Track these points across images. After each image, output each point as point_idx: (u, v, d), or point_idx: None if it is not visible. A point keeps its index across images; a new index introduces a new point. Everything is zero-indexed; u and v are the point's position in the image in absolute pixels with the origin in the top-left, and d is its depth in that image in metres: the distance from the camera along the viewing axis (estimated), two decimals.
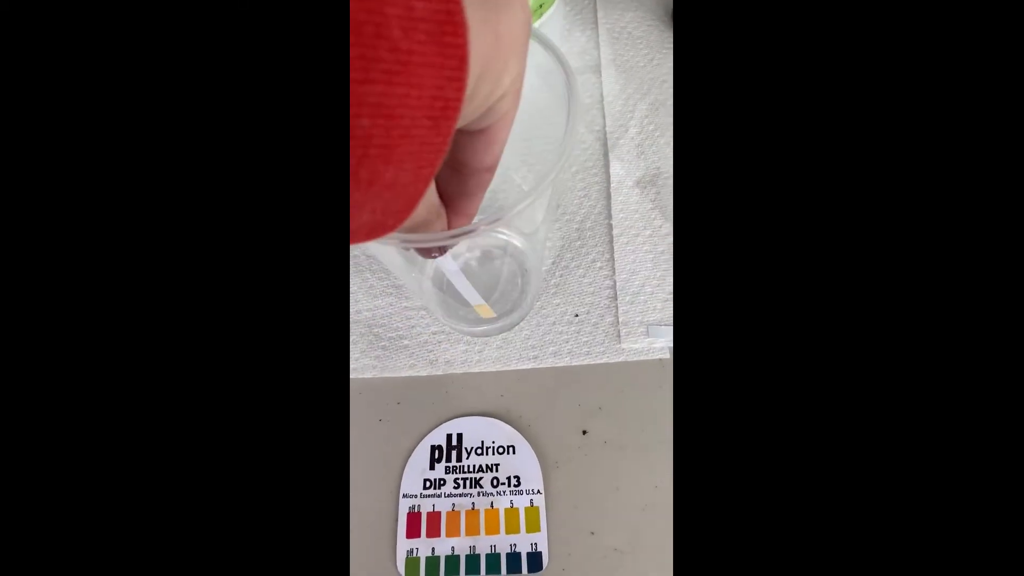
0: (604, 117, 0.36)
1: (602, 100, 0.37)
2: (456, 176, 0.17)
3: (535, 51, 0.37)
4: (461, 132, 0.16)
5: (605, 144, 0.35)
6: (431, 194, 0.16)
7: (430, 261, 0.26)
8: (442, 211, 0.18)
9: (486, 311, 0.28)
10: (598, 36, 0.40)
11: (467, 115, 0.14)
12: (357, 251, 0.33)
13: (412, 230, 0.18)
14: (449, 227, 0.19)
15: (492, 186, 0.36)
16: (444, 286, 0.30)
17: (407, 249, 0.22)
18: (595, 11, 0.41)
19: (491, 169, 0.17)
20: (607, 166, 0.34)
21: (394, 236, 0.18)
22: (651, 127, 0.36)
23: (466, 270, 0.31)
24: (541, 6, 0.36)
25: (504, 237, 0.31)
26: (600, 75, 0.38)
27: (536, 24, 0.39)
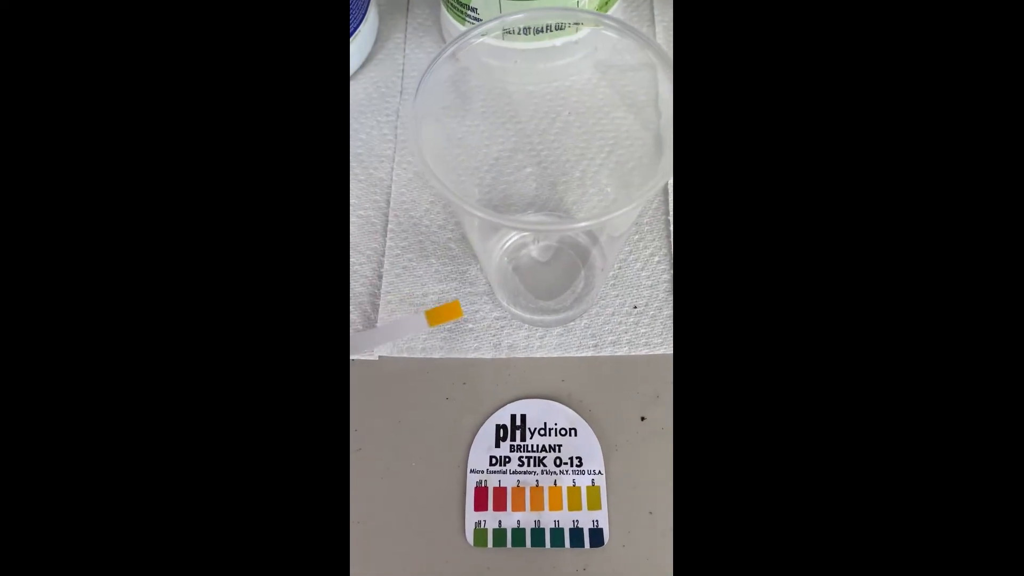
0: (659, 115, 0.38)
1: (657, 98, 0.38)
2: None
3: (601, 44, 0.38)
4: None
5: (660, 141, 0.37)
6: None
7: (510, 234, 0.30)
8: None
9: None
10: (655, 33, 0.41)
11: None
12: (422, 236, 0.34)
13: None
14: None
15: (552, 177, 0.37)
16: (519, 267, 0.31)
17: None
18: (652, 8, 0.41)
19: None
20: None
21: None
22: None
23: (532, 263, 0.32)
24: (607, 2, 0.37)
25: (571, 235, 0.32)
26: (656, 72, 0.39)
27: (591, 27, 0.40)
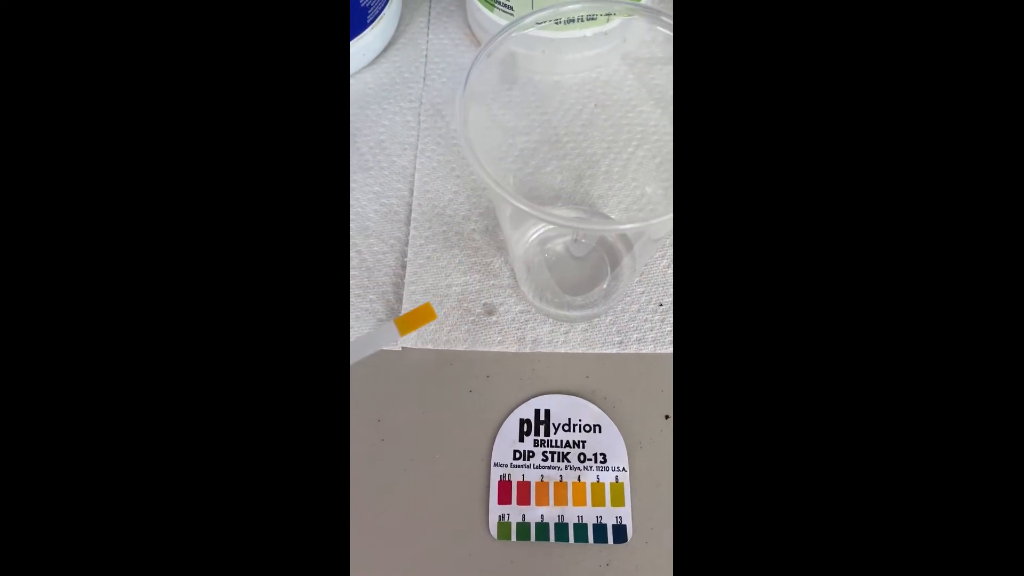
0: None
1: None
2: None
3: (630, 36, 0.37)
4: None
5: None
6: None
7: (538, 225, 0.30)
8: None
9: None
10: None
11: None
12: (445, 227, 0.33)
13: None
14: None
15: (578, 171, 0.37)
16: (550, 263, 0.31)
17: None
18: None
19: None
20: None
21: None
22: None
23: (561, 257, 0.32)
24: None
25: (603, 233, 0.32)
26: None
27: (625, 16, 0.40)
